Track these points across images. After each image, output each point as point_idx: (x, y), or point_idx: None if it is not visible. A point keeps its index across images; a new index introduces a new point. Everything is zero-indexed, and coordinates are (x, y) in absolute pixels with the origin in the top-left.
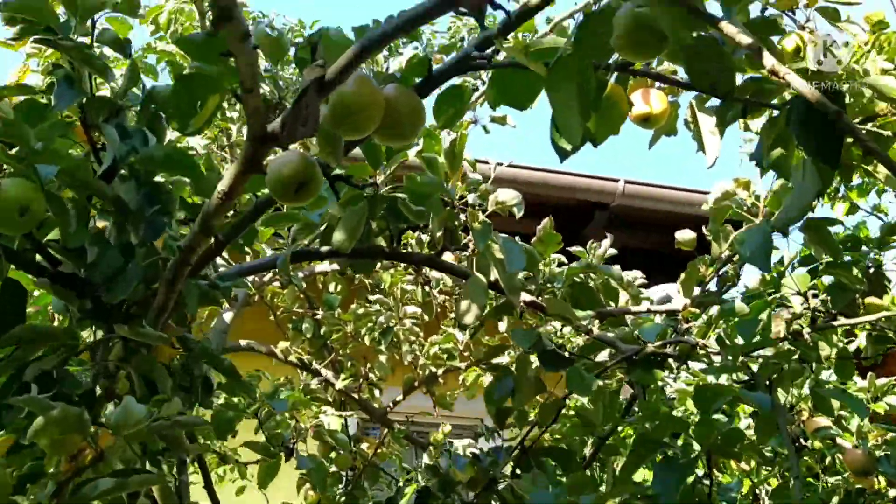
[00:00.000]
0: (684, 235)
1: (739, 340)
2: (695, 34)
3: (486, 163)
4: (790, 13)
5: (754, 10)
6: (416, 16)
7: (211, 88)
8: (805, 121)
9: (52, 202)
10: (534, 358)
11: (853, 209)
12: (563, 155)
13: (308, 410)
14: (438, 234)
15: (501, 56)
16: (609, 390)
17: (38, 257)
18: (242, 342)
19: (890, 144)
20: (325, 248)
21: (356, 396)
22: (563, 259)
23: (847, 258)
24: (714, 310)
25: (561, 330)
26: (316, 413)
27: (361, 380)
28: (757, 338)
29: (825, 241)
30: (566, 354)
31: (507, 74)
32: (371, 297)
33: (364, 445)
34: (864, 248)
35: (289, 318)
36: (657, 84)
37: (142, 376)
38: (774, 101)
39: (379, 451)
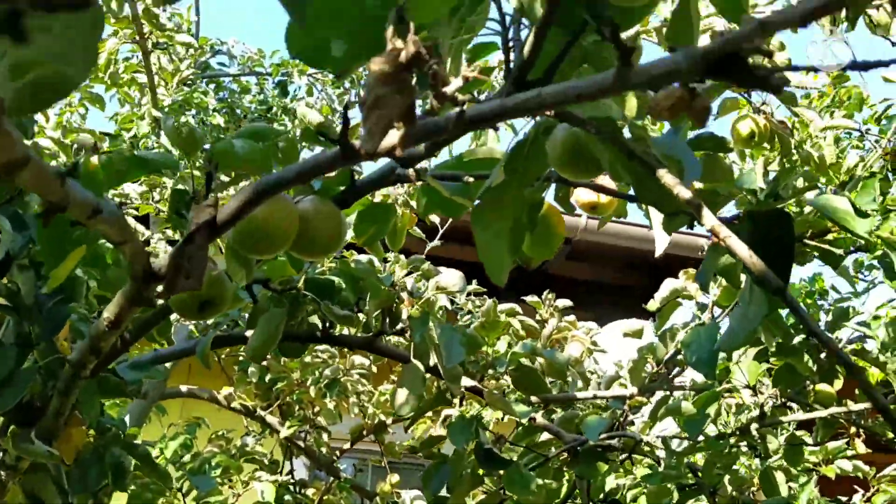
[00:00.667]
0: (632, 326)
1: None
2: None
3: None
4: (746, 94)
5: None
6: (313, 167)
7: (76, 239)
8: (752, 244)
9: None
10: None
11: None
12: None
13: (241, 476)
14: (375, 316)
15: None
16: (549, 487)
17: None
18: (183, 388)
19: (841, 261)
20: (251, 332)
21: (301, 444)
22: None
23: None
24: (660, 395)
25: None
26: (250, 477)
27: (308, 426)
28: (704, 435)
29: (776, 325)
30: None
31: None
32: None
33: (310, 492)
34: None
35: (235, 359)
36: None
37: (29, 494)
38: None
39: (325, 497)
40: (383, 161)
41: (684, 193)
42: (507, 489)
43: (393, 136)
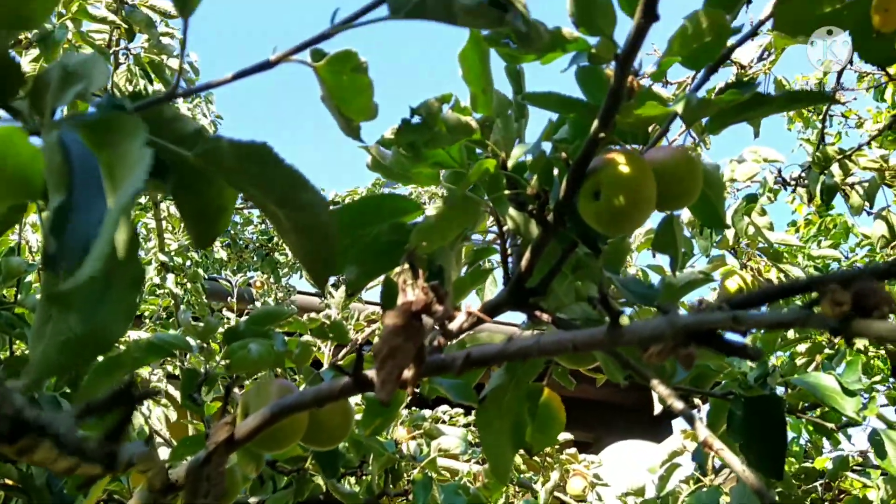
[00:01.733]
0: (633, 453)
1: None
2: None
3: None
4: (733, 251)
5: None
6: (329, 394)
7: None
8: (745, 427)
9: None
10: None
11: None
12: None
13: None
14: (378, 478)
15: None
16: None
17: None
18: None
19: (833, 434)
20: (254, 500)
21: None
22: None
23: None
24: None
25: None
26: None
27: None
28: None
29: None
30: None
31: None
32: None
33: None
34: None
35: None
36: None
37: None
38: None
39: None
40: None
41: (678, 405)
42: None
43: (404, 374)
